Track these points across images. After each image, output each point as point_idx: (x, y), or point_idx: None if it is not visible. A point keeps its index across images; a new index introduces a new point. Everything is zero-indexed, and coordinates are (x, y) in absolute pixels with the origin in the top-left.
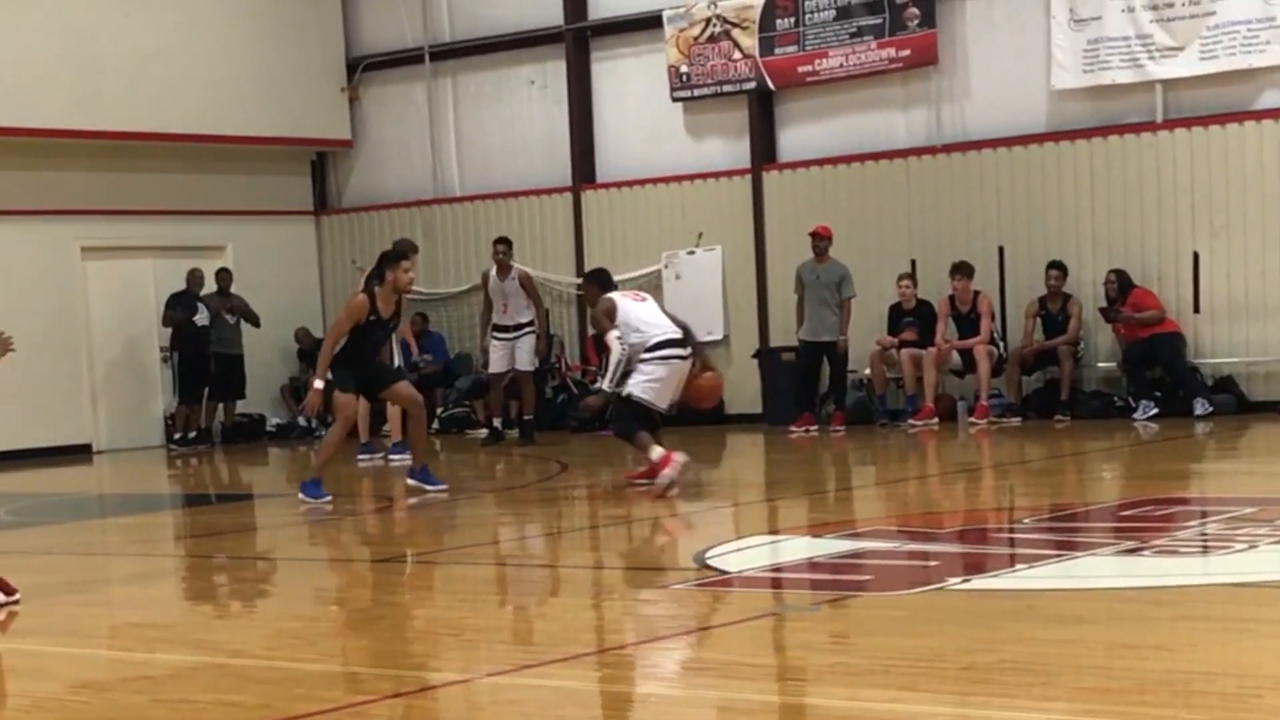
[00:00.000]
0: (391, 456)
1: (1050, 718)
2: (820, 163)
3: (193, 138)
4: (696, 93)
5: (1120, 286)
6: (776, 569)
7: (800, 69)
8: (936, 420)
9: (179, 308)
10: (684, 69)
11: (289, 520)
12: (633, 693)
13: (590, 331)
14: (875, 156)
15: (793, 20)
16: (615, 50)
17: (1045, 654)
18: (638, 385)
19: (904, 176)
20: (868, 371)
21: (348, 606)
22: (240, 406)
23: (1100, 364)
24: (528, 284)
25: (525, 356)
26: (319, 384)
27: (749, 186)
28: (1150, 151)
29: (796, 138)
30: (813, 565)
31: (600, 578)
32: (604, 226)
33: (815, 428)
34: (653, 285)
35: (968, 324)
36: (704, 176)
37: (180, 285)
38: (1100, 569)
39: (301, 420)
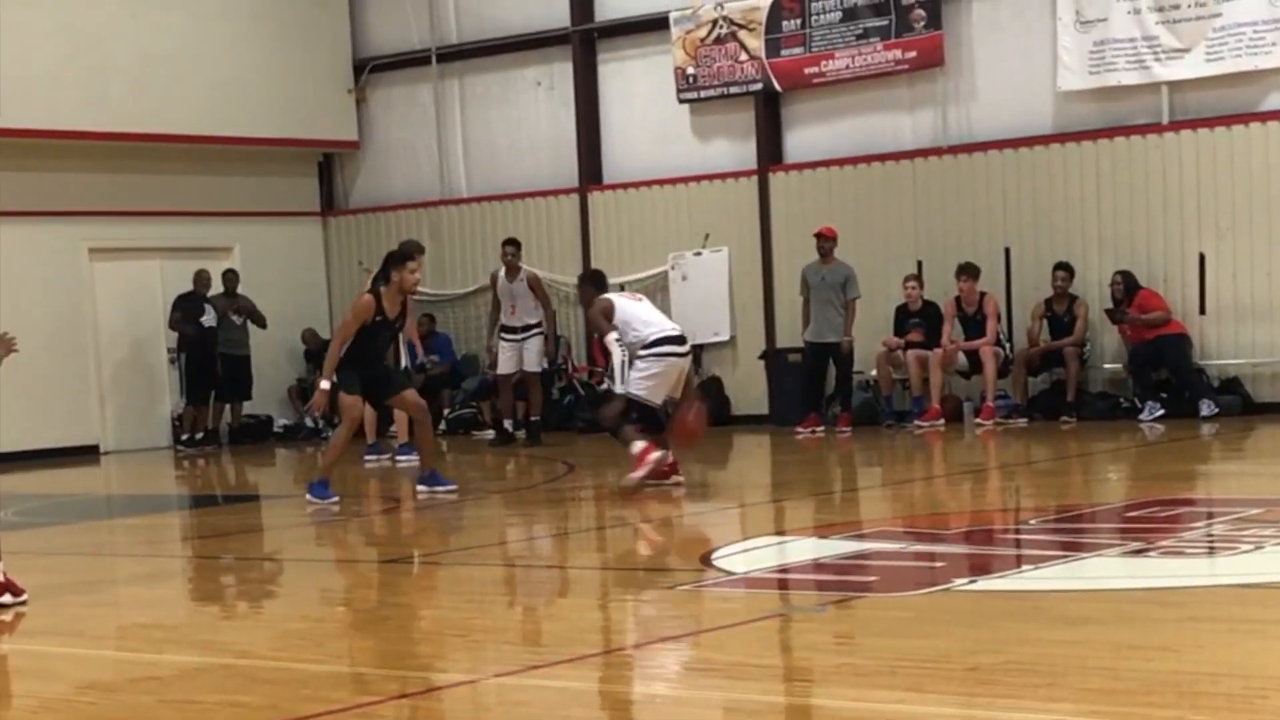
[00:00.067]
0: (398, 457)
1: (1056, 718)
2: (826, 164)
3: (200, 139)
4: (703, 94)
5: (1126, 288)
6: (783, 570)
7: (806, 70)
8: (943, 421)
9: (184, 312)
10: (690, 70)
11: (296, 521)
12: (639, 693)
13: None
14: (881, 158)
15: (799, 22)
16: (622, 52)
17: (1051, 655)
18: (633, 381)
19: (910, 178)
20: (874, 373)
21: (354, 607)
22: (247, 407)
23: (1106, 365)
24: (536, 285)
25: (533, 358)
26: (325, 384)
27: (755, 188)
28: (1156, 153)
29: (803, 139)
30: (819, 566)
31: (607, 579)
32: (610, 228)
33: (821, 429)
34: (659, 286)
35: (974, 325)
36: (710, 178)
37: (187, 286)
38: (1106, 570)
39: (308, 421)
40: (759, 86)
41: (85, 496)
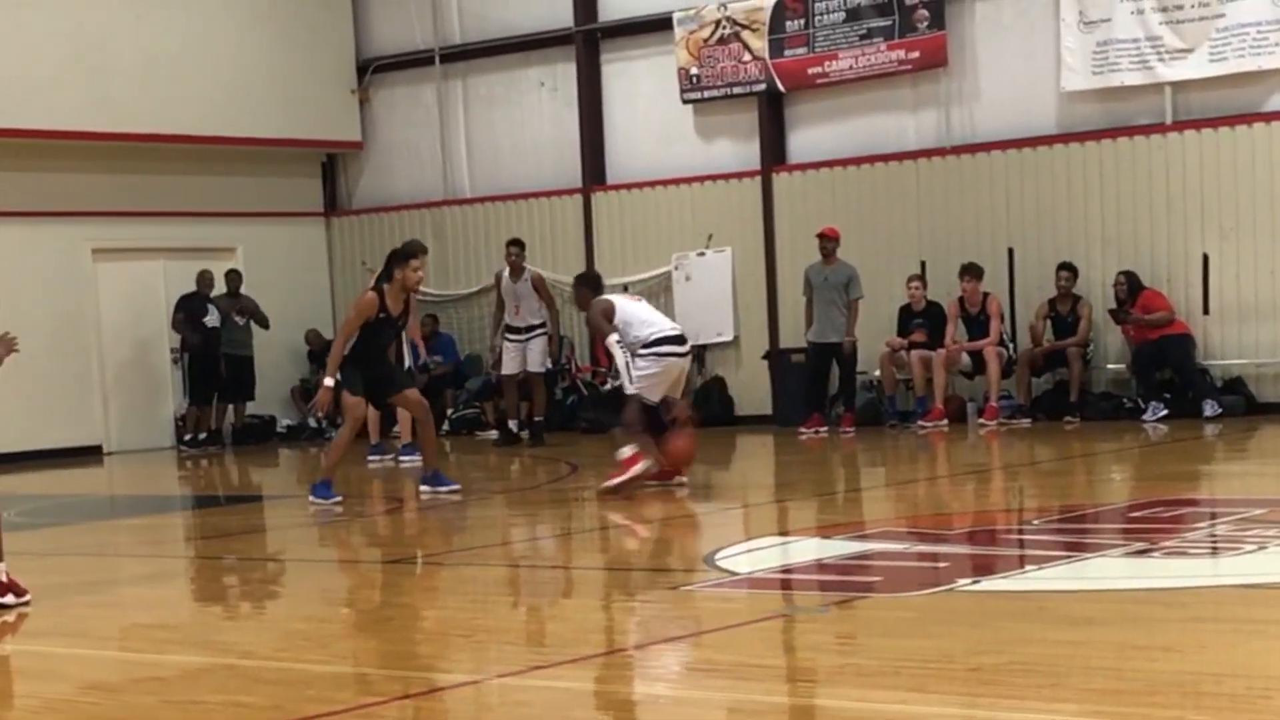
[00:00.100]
0: (401, 458)
1: (1059, 719)
2: (830, 164)
3: (203, 139)
4: (706, 94)
5: (1130, 288)
6: (786, 570)
7: (810, 71)
8: (946, 422)
9: (187, 313)
10: (694, 71)
11: (299, 522)
12: (642, 694)
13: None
14: (885, 158)
15: (802, 22)
16: (625, 52)
17: (1054, 655)
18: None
19: (913, 178)
20: (877, 373)
21: (358, 608)
22: (250, 408)
23: (1110, 365)
24: (540, 286)
25: (536, 358)
26: (329, 382)
27: (759, 188)
28: (1160, 153)
29: (806, 139)
30: (822, 566)
31: (610, 579)
32: (614, 228)
33: (825, 429)
34: (662, 287)
35: (977, 325)
36: (714, 178)
37: (191, 287)
38: (1110, 570)
39: (312, 421)
40: (762, 87)
41: (88, 497)
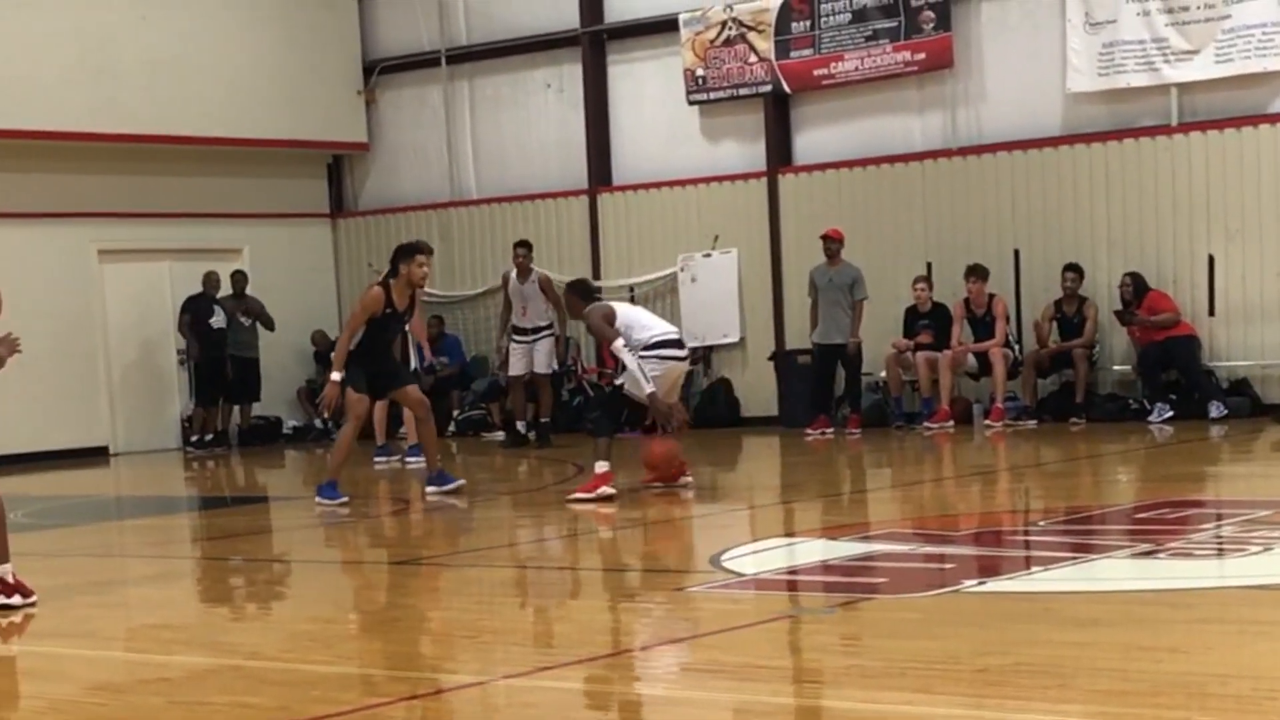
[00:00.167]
0: (408, 459)
1: None
2: (836, 165)
3: (209, 141)
4: (712, 96)
5: (1135, 289)
6: (792, 571)
7: (816, 72)
8: (952, 423)
9: (193, 314)
10: (700, 72)
11: (305, 522)
12: (648, 695)
13: None
14: (891, 159)
15: (808, 23)
16: (631, 53)
17: (1060, 656)
18: (630, 379)
19: (919, 179)
20: (883, 374)
21: (364, 609)
22: (257, 409)
23: (1115, 366)
24: (547, 287)
25: (543, 359)
26: (336, 377)
27: (765, 189)
28: (1165, 155)
29: (812, 140)
30: (828, 568)
31: (616, 580)
32: (620, 229)
33: (831, 430)
34: (668, 288)
35: (983, 327)
36: (720, 179)
37: (197, 288)
38: (1115, 571)
39: (318, 422)
40: (768, 88)
41: (95, 498)
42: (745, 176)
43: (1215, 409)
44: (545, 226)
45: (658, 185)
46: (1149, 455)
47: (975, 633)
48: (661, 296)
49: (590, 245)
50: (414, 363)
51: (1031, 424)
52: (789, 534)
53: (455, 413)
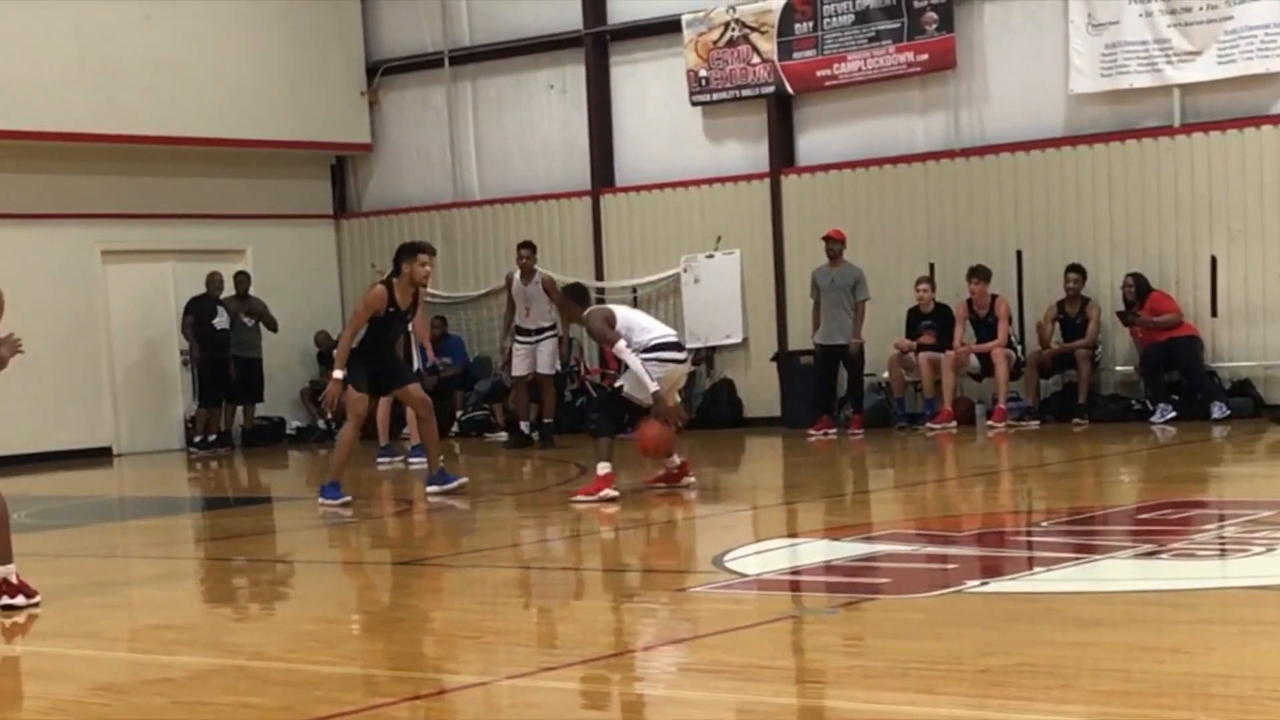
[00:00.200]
0: (411, 460)
1: None
2: (839, 167)
3: (212, 141)
4: (715, 97)
5: (1138, 290)
6: (795, 572)
7: (819, 73)
8: (954, 423)
9: (197, 315)
10: (703, 73)
11: (308, 523)
12: (651, 695)
13: None
14: (893, 160)
15: (811, 24)
16: (634, 54)
17: (1063, 657)
18: (631, 381)
19: (922, 180)
20: (886, 375)
21: (367, 609)
22: (260, 410)
23: (1118, 367)
24: (550, 288)
25: (546, 360)
26: (338, 374)
27: (767, 190)
28: (1168, 156)
29: (815, 141)
30: (831, 568)
31: (619, 581)
32: (623, 230)
33: (833, 431)
34: (671, 289)
35: (985, 327)
36: (723, 180)
37: (200, 289)
38: (1118, 572)
39: (321, 423)
40: (771, 89)
41: (98, 498)
42: (748, 177)
43: (1218, 410)
44: (548, 227)
45: (660, 186)
46: (1151, 456)
47: (978, 633)
48: (664, 297)
49: (593, 246)
50: (417, 363)
51: (1034, 425)
52: (792, 534)
53: (458, 413)
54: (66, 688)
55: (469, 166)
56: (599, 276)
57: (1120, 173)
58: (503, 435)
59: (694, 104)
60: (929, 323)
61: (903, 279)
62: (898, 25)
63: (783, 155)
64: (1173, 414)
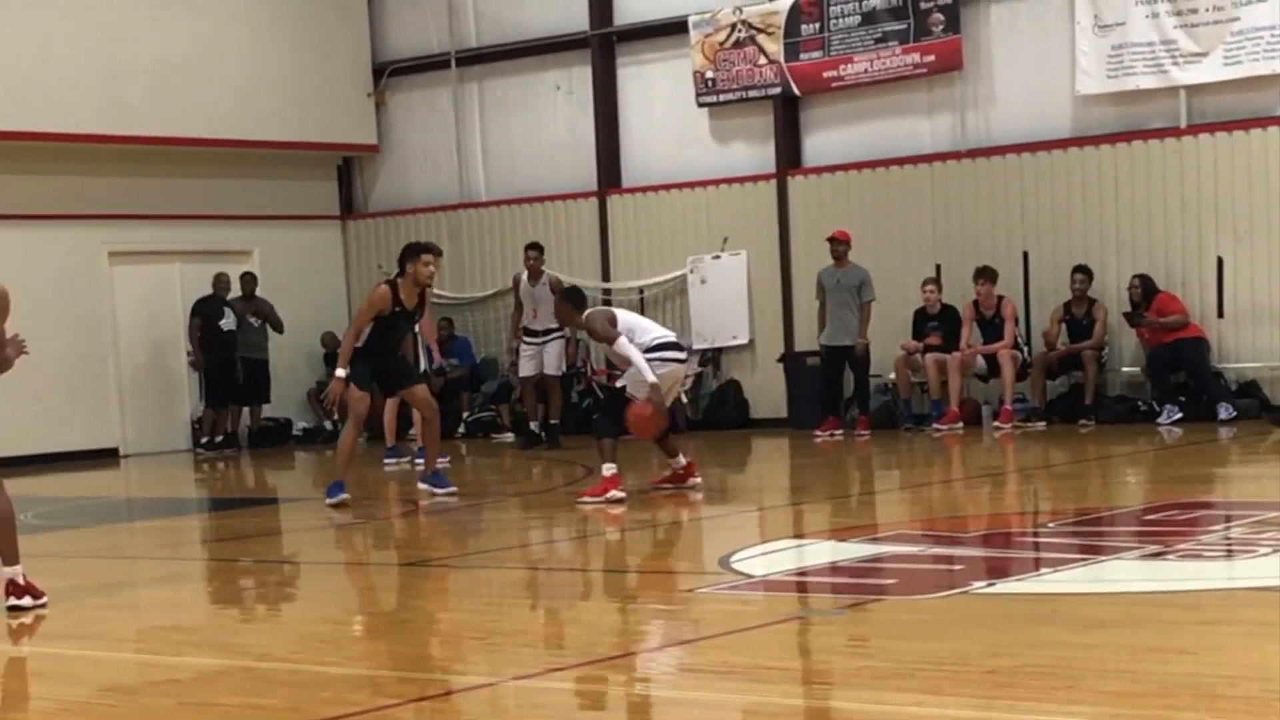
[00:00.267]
0: (417, 461)
1: None
2: (845, 168)
3: (219, 143)
4: (722, 98)
5: (1144, 291)
6: (801, 573)
7: (825, 74)
8: (961, 424)
9: (203, 316)
10: (709, 74)
11: (315, 524)
12: (657, 696)
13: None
14: (900, 161)
15: (818, 26)
16: (641, 56)
17: (1069, 658)
18: (632, 382)
19: (928, 181)
20: (892, 376)
21: (373, 610)
22: (266, 411)
23: (1124, 368)
24: (558, 290)
25: (553, 361)
26: (341, 373)
27: (774, 191)
28: (1174, 157)
29: (821, 143)
30: (837, 569)
31: (625, 582)
32: (629, 231)
33: (840, 432)
34: (678, 290)
35: (992, 329)
36: (729, 181)
37: (207, 290)
38: (1124, 573)
39: (328, 424)
40: (777, 90)
41: (105, 499)
42: (754, 178)
43: (1224, 411)
44: (554, 228)
45: (667, 187)
46: (1158, 457)
47: (984, 634)
48: (671, 298)
49: (599, 247)
50: (424, 364)
51: (1040, 426)
52: (798, 535)
53: (465, 414)
54: (73, 689)
55: (475, 167)
56: (605, 277)
57: (1126, 174)
58: (509, 436)
59: (700, 105)
60: (935, 324)
61: (909, 280)
62: (904, 26)
63: (789, 156)
64: (1179, 415)
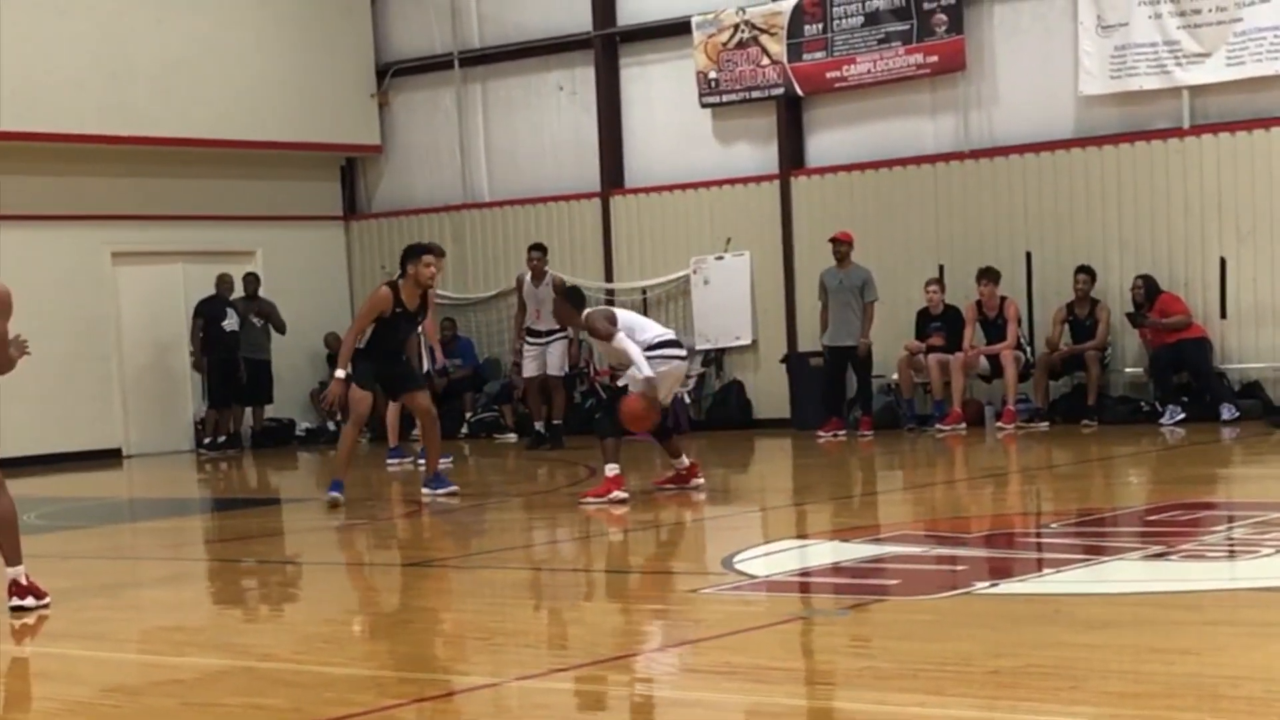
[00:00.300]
0: (420, 461)
1: None
2: (848, 168)
3: (223, 143)
4: (725, 98)
5: (1147, 291)
6: (804, 573)
7: (828, 75)
8: (964, 425)
9: (206, 317)
10: (712, 75)
11: (317, 524)
12: (660, 697)
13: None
14: (903, 162)
15: (821, 26)
16: (644, 56)
17: (1072, 658)
18: (633, 380)
19: (931, 182)
20: (895, 376)
21: (376, 611)
22: (269, 411)
23: (1127, 369)
24: (558, 289)
25: (556, 361)
26: (340, 374)
27: (777, 192)
28: (1177, 157)
29: (824, 143)
30: (840, 569)
31: (628, 582)
32: (632, 232)
33: (843, 432)
34: (680, 290)
35: (995, 329)
36: (732, 182)
37: (210, 290)
38: (1127, 574)
39: (331, 425)
40: (781, 91)
41: (108, 500)
42: (757, 179)
43: (1227, 411)
44: (557, 229)
45: (670, 188)
46: (1160, 457)
47: (987, 634)
48: (674, 299)
49: (602, 247)
50: (427, 365)
51: (1043, 426)
52: (801, 536)
53: (468, 415)
54: (76, 689)
55: (478, 168)
56: (609, 278)
57: (1129, 174)
58: (512, 436)
59: (703, 105)
60: (938, 324)
61: (912, 280)
62: (907, 27)
63: (792, 157)
64: (1182, 415)
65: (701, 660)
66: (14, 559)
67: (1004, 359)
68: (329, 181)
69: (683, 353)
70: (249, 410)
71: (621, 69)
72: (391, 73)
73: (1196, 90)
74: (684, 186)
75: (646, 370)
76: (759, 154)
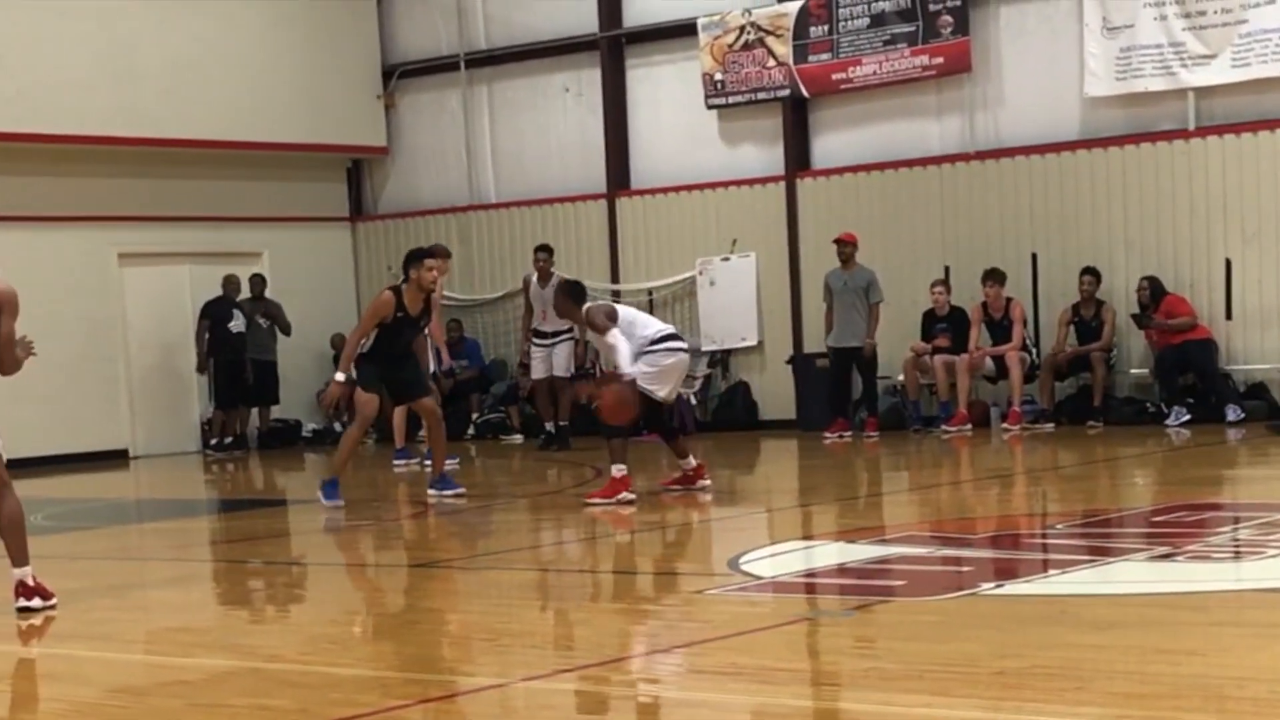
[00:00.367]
0: (427, 463)
1: None
2: (854, 170)
3: (229, 144)
4: (731, 100)
5: (1153, 293)
6: (810, 574)
7: (834, 76)
8: (970, 426)
9: (213, 319)
10: (718, 76)
11: (323, 526)
12: (666, 698)
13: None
14: (909, 163)
15: (827, 28)
16: (650, 58)
17: (1078, 659)
18: (642, 375)
19: (937, 183)
20: (901, 377)
21: (382, 612)
22: (276, 412)
23: (1133, 370)
24: (559, 284)
25: (562, 362)
26: (340, 377)
27: (783, 193)
28: (1183, 159)
29: (830, 145)
30: (846, 570)
31: (634, 583)
32: (638, 233)
33: (849, 433)
34: (687, 292)
35: (1000, 330)
36: (738, 183)
37: (216, 291)
38: (1133, 574)
39: (337, 426)
40: (787, 92)
41: (114, 501)
42: (763, 180)
43: (1232, 412)
44: (563, 230)
45: (676, 189)
46: (1166, 458)
47: (993, 635)
48: (680, 300)
49: (609, 249)
50: (433, 366)
51: (1049, 427)
52: (807, 537)
53: (474, 415)
54: (83, 690)
55: (485, 169)
56: (615, 279)
57: (1135, 176)
58: (518, 437)
59: (709, 107)
60: (944, 325)
61: (918, 282)
62: (913, 28)
63: (798, 158)
64: (1187, 417)
65: (707, 661)
66: (21, 560)
67: (1009, 360)
68: (335, 183)
69: (685, 346)
70: (255, 411)
71: (628, 70)
72: (398, 74)
73: (1202, 92)
74: (690, 188)
75: (627, 366)
76: (765, 155)
